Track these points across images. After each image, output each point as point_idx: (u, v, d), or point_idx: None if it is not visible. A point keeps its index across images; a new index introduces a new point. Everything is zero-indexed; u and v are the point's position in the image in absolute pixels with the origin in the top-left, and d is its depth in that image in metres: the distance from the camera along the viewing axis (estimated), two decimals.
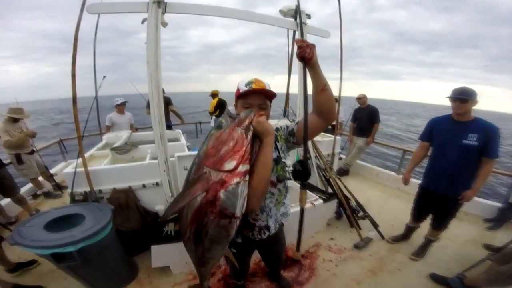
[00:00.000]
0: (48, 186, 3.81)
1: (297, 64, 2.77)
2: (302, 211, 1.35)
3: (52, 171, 4.01)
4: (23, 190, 3.41)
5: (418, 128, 20.91)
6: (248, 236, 1.32)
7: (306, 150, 1.23)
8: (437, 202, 2.24)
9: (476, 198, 3.44)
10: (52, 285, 2.14)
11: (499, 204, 3.26)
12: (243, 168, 0.93)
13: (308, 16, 2.67)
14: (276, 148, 1.26)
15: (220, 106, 5.90)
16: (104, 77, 2.84)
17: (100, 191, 2.28)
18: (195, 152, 2.48)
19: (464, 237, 2.84)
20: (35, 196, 3.68)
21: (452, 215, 2.25)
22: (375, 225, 2.83)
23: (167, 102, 5.48)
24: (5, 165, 2.91)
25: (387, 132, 18.73)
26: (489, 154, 1.93)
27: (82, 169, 2.20)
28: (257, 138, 1.06)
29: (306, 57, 1.03)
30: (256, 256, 1.80)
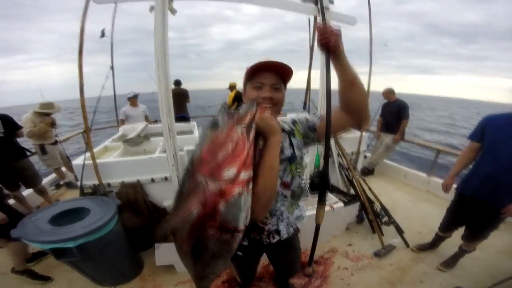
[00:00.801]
0: (70, 177, 3.94)
1: (319, 58, 2.56)
2: (317, 228, 1.21)
3: (74, 162, 4.15)
4: (45, 180, 3.55)
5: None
6: (256, 238, 1.18)
7: (327, 156, 1.04)
8: (474, 211, 1.93)
9: None
10: (59, 277, 2.17)
11: None
12: (246, 175, 0.76)
13: (331, 1, 2.42)
14: (291, 144, 1.09)
15: (238, 99, 5.78)
16: (111, 67, 2.85)
17: (109, 184, 2.26)
18: None
19: (498, 247, 2.49)
20: (58, 186, 3.83)
21: (491, 227, 1.93)
22: (400, 231, 2.55)
23: (184, 95, 5.46)
24: (28, 156, 3.01)
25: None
26: None
27: (91, 161, 2.18)
28: (261, 135, 0.88)
29: (331, 45, 0.87)
30: (264, 259, 1.68)
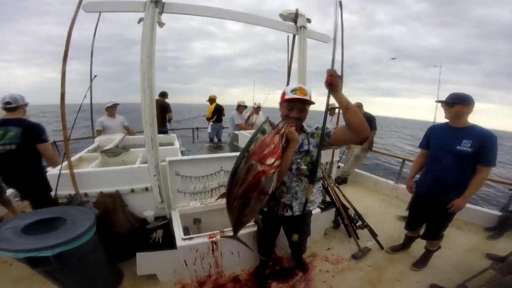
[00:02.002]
0: None
1: (295, 79, 2.72)
2: (306, 201, 1.63)
3: (49, 172, 3.86)
4: (9, 192, 3.27)
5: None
6: (273, 208, 1.70)
7: (319, 155, 1.58)
8: (430, 209, 2.17)
9: (476, 207, 3.43)
10: None
11: (499, 213, 3.19)
12: (277, 163, 1.28)
13: (308, 20, 2.62)
14: (309, 143, 1.60)
15: (218, 112, 5.80)
16: (95, 76, 2.73)
17: (86, 194, 2.16)
18: (190, 157, 2.43)
19: (465, 246, 2.77)
20: (22, 198, 3.53)
21: (444, 224, 2.18)
22: (373, 234, 2.73)
23: (166, 108, 5.38)
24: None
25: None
26: (483, 161, 1.88)
27: (68, 171, 2.09)
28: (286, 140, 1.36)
29: (334, 85, 1.32)
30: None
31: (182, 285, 2.07)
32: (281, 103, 1.55)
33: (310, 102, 1.49)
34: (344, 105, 1.33)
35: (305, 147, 1.60)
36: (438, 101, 2.14)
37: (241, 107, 5.22)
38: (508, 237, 2.94)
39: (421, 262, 2.38)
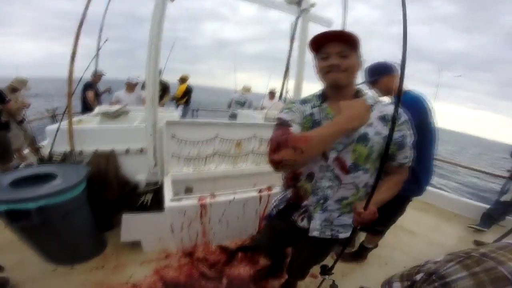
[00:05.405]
0: (32, 160, 3.68)
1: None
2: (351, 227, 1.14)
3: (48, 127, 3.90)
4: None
5: None
6: (291, 209, 1.17)
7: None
8: None
9: (465, 199, 3.52)
10: (7, 258, 1.85)
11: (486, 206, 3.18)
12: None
13: (312, 5, 2.71)
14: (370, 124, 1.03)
15: (188, 93, 5.50)
16: (106, 40, 2.78)
17: (81, 152, 2.16)
18: (187, 120, 2.43)
19: (454, 237, 2.83)
20: (15, 169, 3.55)
21: (394, 213, 1.87)
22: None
23: (165, 87, 5.05)
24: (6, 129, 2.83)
25: None
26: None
27: (66, 127, 2.10)
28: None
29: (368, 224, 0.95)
30: None
31: (167, 255, 2.02)
32: (314, 59, 1.03)
33: (352, 38, 0.93)
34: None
35: (362, 129, 0.98)
36: (363, 81, 1.75)
37: (271, 94, 5.55)
38: (496, 229, 2.92)
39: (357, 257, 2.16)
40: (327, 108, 1.04)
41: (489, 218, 2.96)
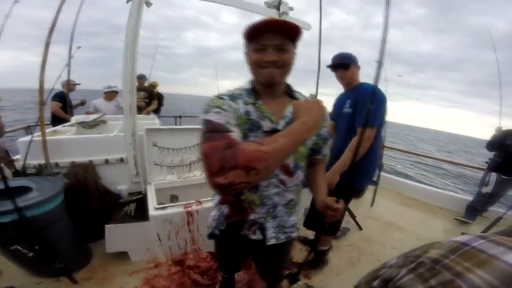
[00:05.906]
0: (6, 173, 3.47)
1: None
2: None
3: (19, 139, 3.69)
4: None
5: None
6: (235, 226, 1.01)
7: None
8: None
9: (449, 192, 3.64)
10: None
11: (469, 198, 3.28)
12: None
13: (291, 8, 2.75)
14: None
15: (158, 100, 5.18)
16: (79, 47, 2.69)
17: (57, 164, 2.06)
18: (168, 127, 2.37)
19: (440, 230, 2.87)
20: None
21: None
22: (353, 216, 2.72)
23: (151, 94, 4.93)
24: None
25: None
26: (356, 121, 1.60)
27: (40, 138, 2.00)
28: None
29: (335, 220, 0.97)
30: None
31: (156, 264, 1.95)
32: (246, 47, 0.90)
33: (294, 30, 0.82)
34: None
35: None
36: (328, 66, 1.77)
37: None
38: (481, 221, 3.00)
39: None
40: (262, 106, 0.90)
41: (473, 210, 3.05)
